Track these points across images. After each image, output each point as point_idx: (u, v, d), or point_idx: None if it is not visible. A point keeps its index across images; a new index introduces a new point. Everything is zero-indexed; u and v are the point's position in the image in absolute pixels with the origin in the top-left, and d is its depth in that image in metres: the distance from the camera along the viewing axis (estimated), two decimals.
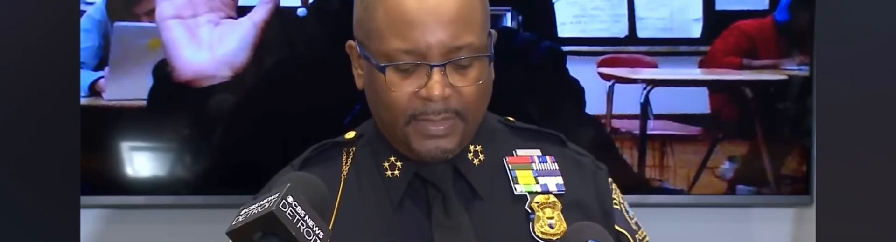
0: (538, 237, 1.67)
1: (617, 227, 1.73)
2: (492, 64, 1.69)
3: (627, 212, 1.76)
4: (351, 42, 1.71)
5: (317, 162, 1.75)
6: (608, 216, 1.73)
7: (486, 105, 1.70)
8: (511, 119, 1.80)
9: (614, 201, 1.75)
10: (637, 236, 1.75)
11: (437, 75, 1.61)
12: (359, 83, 1.72)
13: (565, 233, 1.54)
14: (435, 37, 1.61)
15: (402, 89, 1.63)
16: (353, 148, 1.76)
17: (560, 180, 1.72)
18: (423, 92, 1.61)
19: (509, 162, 1.73)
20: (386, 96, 1.64)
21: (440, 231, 1.66)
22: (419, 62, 1.61)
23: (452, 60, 1.62)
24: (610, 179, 1.78)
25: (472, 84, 1.64)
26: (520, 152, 1.75)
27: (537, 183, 1.72)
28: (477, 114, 1.68)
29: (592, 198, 1.73)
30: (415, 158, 1.68)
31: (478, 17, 1.65)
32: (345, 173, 1.73)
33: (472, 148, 1.72)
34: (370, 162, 1.73)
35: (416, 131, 1.64)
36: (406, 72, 1.63)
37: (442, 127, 1.64)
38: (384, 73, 1.62)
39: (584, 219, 1.69)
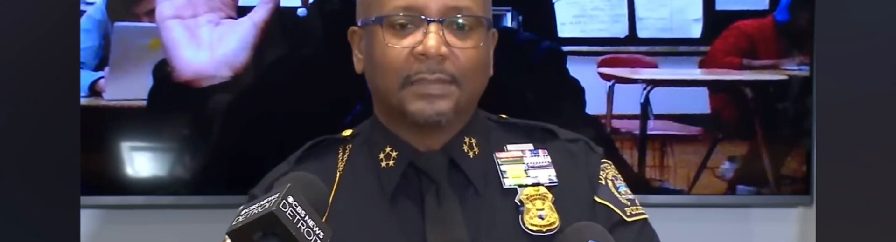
0: (528, 228, 1.68)
1: (597, 198, 1.73)
2: (493, 42, 1.71)
3: (617, 188, 1.76)
4: (353, 27, 1.74)
5: (313, 158, 1.77)
6: (594, 192, 1.74)
7: (482, 78, 1.71)
8: (504, 116, 1.81)
9: (600, 177, 1.75)
10: (628, 210, 1.74)
11: (434, 29, 1.64)
12: (358, 67, 1.74)
13: (565, 233, 1.54)
14: None
15: (399, 45, 1.65)
16: (350, 146, 1.77)
17: (552, 172, 1.73)
18: (420, 47, 1.63)
19: (498, 157, 1.74)
20: (383, 55, 1.66)
21: (432, 222, 1.67)
22: (415, 15, 1.64)
23: (450, 17, 1.64)
24: (604, 160, 1.78)
25: (470, 47, 1.66)
26: (511, 147, 1.76)
27: (527, 176, 1.72)
28: (473, 85, 1.69)
29: (585, 183, 1.74)
30: (410, 122, 1.67)
31: None
32: (340, 169, 1.74)
33: (466, 140, 1.73)
34: (366, 158, 1.74)
35: (410, 93, 1.65)
36: (404, 30, 1.66)
37: (436, 86, 1.64)
38: (382, 25, 1.65)
39: (579, 209, 1.70)
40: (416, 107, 1.65)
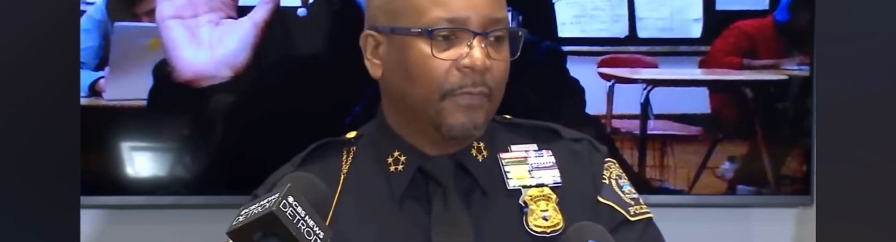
0: (532, 230, 1.68)
1: (601, 199, 1.73)
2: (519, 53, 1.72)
3: (620, 187, 1.76)
4: (367, 32, 1.72)
5: (317, 160, 1.77)
6: (597, 192, 1.73)
7: (503, 91, 1.71)
8: (507, 117, 1.81)
9: (603, 176, 1.75)
10: (631, 209, 1.74)
11: (478, 42, 1.64)
12: (375, 72, 1.73)
13: (566, 233, 1.55)
14: (476, 7, 1.65)
15: (443, 57, 1.64)
16: (354, 148, 1.77)
17: (556, 172, 1.73)
18: (466, 60, 1.63)
19: (502, 158, 1.74)
20: (423, 66, 1.65)
21: (439, 226, 1.67)
22: (465, 28, 1.64)
23: (493, 30, 1.65)
24: (608, 159, 1.78)
25: (504, 60, 1.67)
26: (514, 147, 1.76)
27: (531, 177, 1.72)
28: (498, 98, 1.69)
29: (589, 183, 1.74)
30: (444, 135, 1.67)
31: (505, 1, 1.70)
32: (344, 171, 1.74)
33: (475, 144, 1.73)
34: (371, 161, 1.74)
35: (453, 103, 1.65)
36: (446, 42, 1.65)
37: (478, 98, 1.65)
38: (431, 36, 1.64)
39: (583, 209, 1.70)
40: (457, 120, 1.65)
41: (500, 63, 1.67)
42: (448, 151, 1.72)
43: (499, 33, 1.66)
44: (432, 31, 1.64)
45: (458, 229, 1.67)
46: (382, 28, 1.70)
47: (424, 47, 1.64)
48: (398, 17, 1.68)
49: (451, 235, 1.66)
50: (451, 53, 1.65)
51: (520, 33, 1.70)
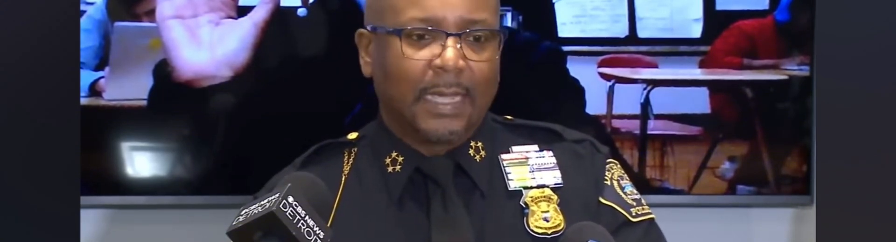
0: (533, 231, 1.68)
1: (603, 200, 1.73)
2: (499, 53, 1.70)
3: (622, 188, 1.75)
4: (361, 30, 1.73)
5: (318, 162, 1.77)
6: (599, 193, 1.73)
7: (493, 91, 1.70)
8: (509, 117, 1.81)
9: (605, 177, 1.75)
10: (633, 210, 1.74)
11: (452, 43, 1.63)
12: (366, 70, 1.73)
13: (565, 233, 1.55)
14: (452, 7, 1.64)
15: (416, 57, 1.64)
16: (355, 149, 1.77)
17: (558, 173, 1.73)
18: (438, 60, 1.63)
19: (503, 159, 1.74)
20: (398, 66, 1.65)
21: (438, 227, 1.67)
22: (436, 28, 1.63)
23: (470, 30, 1.63)
24: (610, 160, 1.78)
25: (486, 60, 1.65)
26: (516, 148, 1.76)
27: (532, 178, 1.72)
28: (484, 98, 1.68)
29: (591, 185, 1.74)
30: (422, 138, 1.67)
31: (492, 0, 1.69)
32: (346, 172, 1.74)
33: (473, 144, 1.73)
34: (371, 162, 1.74)
35: (424, 110, 1.64)
36: (421, 42, 1.65)
37: (450, 102, 1.64)
38: (400, 36, 1.63)
39: (584, 210, 1.70)
40: (430, 125, 1.65)
41: (481, 64, 1.65)
42: (443, 151, 1.72)
43: (478, 34, 1.65)
44: (400, 30, 1.64)
45: (458, 230, 1.67)
46: (370, 26, 1.71)
47: (398, 47, 1.65)
48: (380, 16, 1.69)
49: (451, 236, 1.66)
50: (425, 53, 1.64)
51: (498, 34, 1.67)
